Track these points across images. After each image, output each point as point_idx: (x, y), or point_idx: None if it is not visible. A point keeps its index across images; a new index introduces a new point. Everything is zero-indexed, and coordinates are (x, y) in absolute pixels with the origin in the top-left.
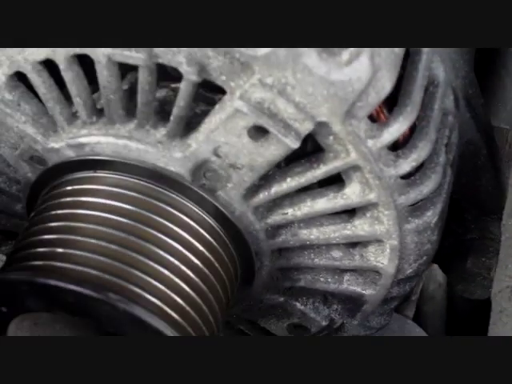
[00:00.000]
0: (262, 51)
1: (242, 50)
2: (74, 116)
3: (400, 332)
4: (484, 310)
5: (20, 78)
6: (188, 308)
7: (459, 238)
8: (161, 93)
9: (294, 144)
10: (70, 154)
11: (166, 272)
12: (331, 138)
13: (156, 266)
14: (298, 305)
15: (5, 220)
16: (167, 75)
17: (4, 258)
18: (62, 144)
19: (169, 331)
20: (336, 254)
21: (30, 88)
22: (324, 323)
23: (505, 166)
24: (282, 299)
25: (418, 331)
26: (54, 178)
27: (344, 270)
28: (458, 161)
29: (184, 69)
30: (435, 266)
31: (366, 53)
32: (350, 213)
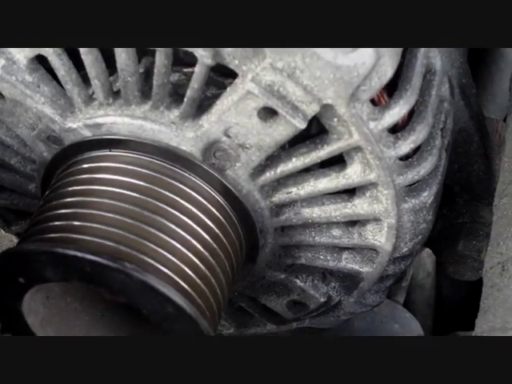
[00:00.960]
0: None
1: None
2: (91, 98)
3: (390, 317)
4: (471, 299)
5: (40, 61)
6: (197, 279)
7: (451, 222)
8: (174, 77)
9: (301, 125)
10: (87, 134)
11: (177, 245)
12: (335, 119)
13: (168, 238)
14: (298, 282)
15: (17, 199)
16: (179, 60)
17: (13, 238)
18: (79, 124)
19: (179, 299)
20: (336, 232)
21: (49, 71)
22: (322, 300)
23: (495, 154)
24: (283, 276)
25: (407, 316)
26: (70, 156)
27: (343, 248)
28: (452, 147)
29: (199, 53)
30: (424, 255)
31: None
32: (350, 192)
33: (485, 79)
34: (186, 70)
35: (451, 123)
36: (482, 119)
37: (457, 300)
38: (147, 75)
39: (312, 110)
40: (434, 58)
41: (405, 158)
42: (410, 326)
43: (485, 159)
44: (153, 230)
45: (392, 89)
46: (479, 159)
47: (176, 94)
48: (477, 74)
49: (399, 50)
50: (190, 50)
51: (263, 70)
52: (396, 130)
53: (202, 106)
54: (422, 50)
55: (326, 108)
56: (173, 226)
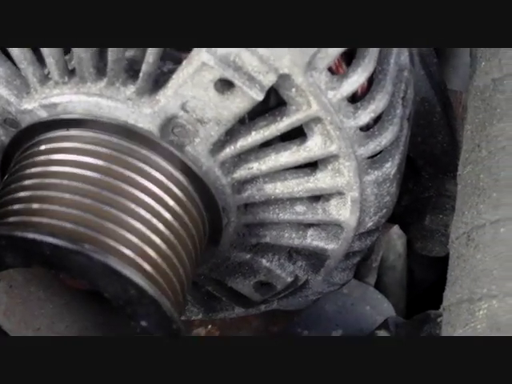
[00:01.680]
0: None
1: None
2: (46, 77)
3: (361, 299)
4: (443, 279)
5: None
6: (159, 260)
7: (417, 197)
8: (129, 52)
9: (258, 96)
10: (43, 115)
11: (138, 224)
12: (293, 90)
13: (128, 218)
14: (264, 262)
15: None
16: None
17: None
18: (34, 105)
19: (141, 281)
20: (299, 208)
21: (3, 51)
22: (289, 280)
23: (459, 125)
24: (248, 256)
25: (379, 297)
26: (27, 139)
27: (307, 225)
28: (414, 118)
29: None
30: (395, 237)
31: None
32: (312, 167)
33: (446, 51)
34: None
35: (412, 93)
36: (444, 89)
37: (429, 281)
38: (102, 51)
39: (269, 80)
40: None
41: (365, 128)
42: (382, 306)
43: (448, 130)
44: (112, 210)
45: (350, 58)
46: (442, 130)
47: (132, 70)
48: (439, 48)
49: None
50: None
51: None
52: (356, 100)
53: (159, 81)
54: None
55: (284, 78)
56: (133, 206)
